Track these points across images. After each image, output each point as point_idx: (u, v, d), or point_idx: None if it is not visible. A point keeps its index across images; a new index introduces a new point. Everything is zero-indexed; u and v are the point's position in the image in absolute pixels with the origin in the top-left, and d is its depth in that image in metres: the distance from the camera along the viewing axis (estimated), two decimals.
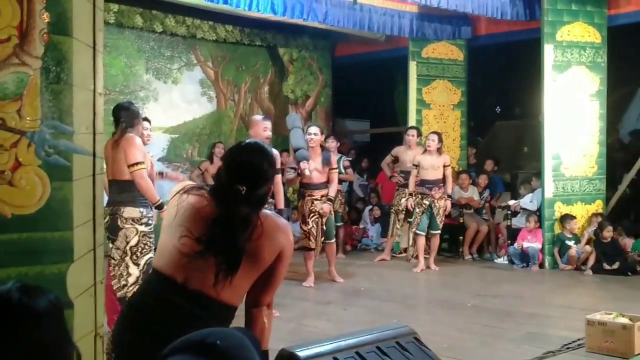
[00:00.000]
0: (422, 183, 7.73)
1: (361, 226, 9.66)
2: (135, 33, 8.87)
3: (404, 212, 8.09)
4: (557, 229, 7.89)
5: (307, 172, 6.43)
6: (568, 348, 4.37)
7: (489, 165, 9.35)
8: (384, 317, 5.16)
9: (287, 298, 5.69)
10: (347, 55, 10.87)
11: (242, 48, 10.05)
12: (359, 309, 5.73)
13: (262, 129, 5.39)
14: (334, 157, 6.80)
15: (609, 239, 7.46)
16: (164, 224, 2.19)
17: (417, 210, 7.74)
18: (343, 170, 8.41)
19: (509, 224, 8.62)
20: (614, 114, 9.44)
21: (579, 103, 8.01)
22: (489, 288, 6.64)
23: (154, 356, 1.24)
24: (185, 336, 1.25)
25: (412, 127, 8.65)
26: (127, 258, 4.36)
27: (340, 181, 8.02)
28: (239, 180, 2.09)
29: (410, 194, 7.80)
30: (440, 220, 7.76)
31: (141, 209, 4.41)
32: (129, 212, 4.40)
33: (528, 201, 8.43)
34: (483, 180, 8.91)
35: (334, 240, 6.96)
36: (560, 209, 7.96)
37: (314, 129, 6.67)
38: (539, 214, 8.10)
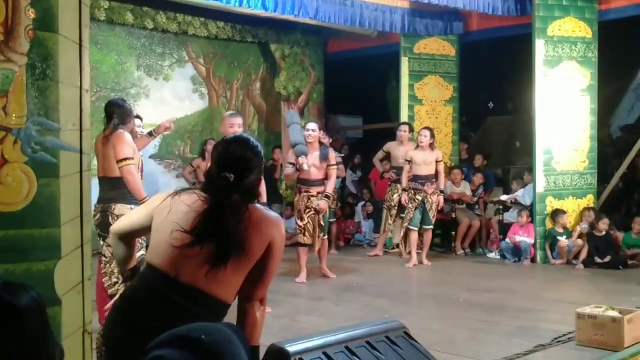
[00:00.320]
0: (414, 178, 7.75)
1: (355, 220, 9.66)
2: (126, 30, 8.83)
3: (396, 208, 8.10)
4: (549, 225, 7.91)
5: (305, 167, 6.43)
6: (558, 341, 4.39)
7: (478, 160, 9.34)
8: (376, 312, 5.16)
9: (279, 294, 5.68)
10: (339, 51, 10.85)
11: (234, 44, 10.03)
12: (351, 304, 5.74)
13: (228, 126, 5.21)
14: (332, 153, 6.78)
15: (604, 232, 7.50)
16: (154, 225, 2.20)
17: (410, 205, 7.76)
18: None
19: (500, 218, 8.64)
20: (605, 109, 9.48)
21: (570, 98, 8.03)
22: (480, 283, 6.66)
23: (143, 350, 1.24)
24: (171, 330, 1.25)
25: (404, 123, 8.65)
26: None
27: None
28: (226, 169, 2.14)
29: (404, 190, 7.81)
30: (432, 216, 7.78)
31: (132, 206, 4.39)
32: (120, 209, 4.39)
33: (521, 195, 8.45)
34: (478, 179, 8.90)
35: (326, 236, 6.96)
36: (551, 203, 7.99)
37: (312, 125, 6.69)
38: (530, 208, 8.13)
